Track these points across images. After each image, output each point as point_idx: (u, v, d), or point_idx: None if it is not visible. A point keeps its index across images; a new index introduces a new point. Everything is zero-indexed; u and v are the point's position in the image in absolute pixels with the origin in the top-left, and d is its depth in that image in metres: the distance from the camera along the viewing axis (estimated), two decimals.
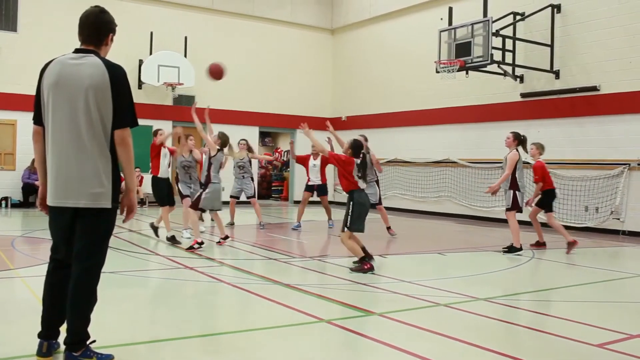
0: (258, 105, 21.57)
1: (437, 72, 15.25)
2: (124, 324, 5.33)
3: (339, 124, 22.50)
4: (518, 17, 15.48)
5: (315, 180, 13.87)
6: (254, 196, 13.97)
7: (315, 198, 14.24)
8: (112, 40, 4.18)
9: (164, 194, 10.90)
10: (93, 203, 3.92)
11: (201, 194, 10.07)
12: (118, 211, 4.12)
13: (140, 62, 19.02)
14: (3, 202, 17.32)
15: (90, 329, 4.04)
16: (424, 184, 18.55)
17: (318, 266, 8.71)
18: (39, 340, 4.09)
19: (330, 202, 12.77)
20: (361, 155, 8.40)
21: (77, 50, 4.05)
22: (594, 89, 14.25)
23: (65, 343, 3.98)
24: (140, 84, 19.08)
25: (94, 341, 4.09)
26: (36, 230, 11.88)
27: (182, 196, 11.38)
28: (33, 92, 4.13)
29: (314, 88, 22.98)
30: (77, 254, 3.97)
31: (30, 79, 5.07)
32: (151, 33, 19.23)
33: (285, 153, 25.18)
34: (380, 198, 12.28)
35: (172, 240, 10.47)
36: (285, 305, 6.05)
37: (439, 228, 14.93)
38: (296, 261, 9.15)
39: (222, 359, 4.44)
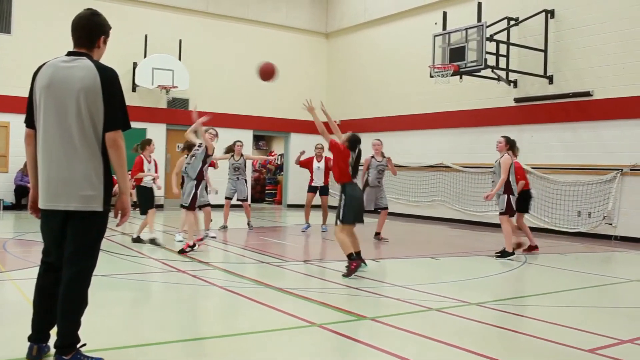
0: (252, 109, 21.57)
1: (431, 76, 15.26)
2: (114, 327, 5.31)
3: None
4: (512, 22, 15.52)
5: (319, 182, 13.92)
6: (246, 199, 14.13)
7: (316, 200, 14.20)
8: (104, 42, 4.17)
9: (148, 201, 11.09)
10: (84, 206, 3.90)
11: (196, 193, 10.07)
12: (111, 214, 4.11)
13: (135, 64, 18.99)
14: None
15: (80, 332, 4.03)
16: (418, 188, 18.57)
17: (310, 270, 8.70)
18: (29, 343, 4.07)
19: (331, 207, 12.71)
20: (357, 151, 8.49)
21: (69, 53, 4.05)
22: (587, 94, 14.29)
23: (55, 346, 3.96)
24: (134, 87, 19.06)
25: (84, 344, 4.08)
26: (28, 233, 11.84)
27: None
28: (26, 95, 4.12)
29: (308, 92, 22.80)
30: (68, 257, 3.95)
31: (24, 81, 5.05)
32: (145, 36, 19.21)
33: (279, 157, 25.18)
34: (386, 202, 12.40)
35: (138, 240, 10.88)
36: (277, 309, 6.04)
37: (433, 232, 14.95)
38: (289, 265, 9.14)
39: None
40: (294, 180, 22.28)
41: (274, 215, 19.29)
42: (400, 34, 19.83)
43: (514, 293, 7.97)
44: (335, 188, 12.08)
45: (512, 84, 15.85)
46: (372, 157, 12.39)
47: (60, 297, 3.93)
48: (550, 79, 15.07)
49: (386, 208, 12.38)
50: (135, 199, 11.95)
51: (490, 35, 14.64)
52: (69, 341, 3.95)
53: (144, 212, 11.12)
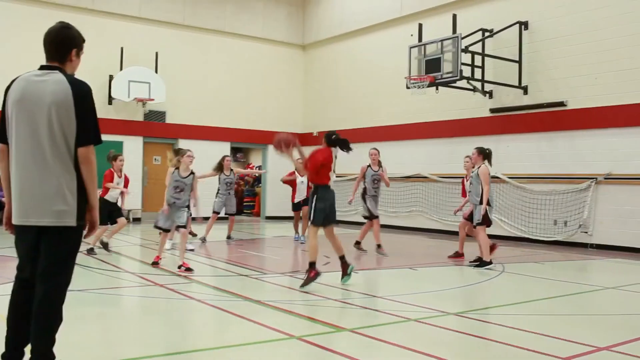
0: (230, 121, 21.53)
1: (408, 87, 15.37)
2: (90, 343, 5.25)
3: (311, 139, 22.54)
4: (487, 34, 15.70)
5: (301, 196, 14.00)
6: (235, 214, 14.42)
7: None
8: (77, 56, 4.13)
9: (105, 215, 10.85)
10: (57, 221, 3.85)
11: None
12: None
13: (111, 77, 18.87)
14: None
15: (55, 349, 3.96)
16: (396, 199, 18.62)
17: (289, 282, 8.67)
18: None
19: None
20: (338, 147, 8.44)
21: (42, 67, 4.01)
22: (562, 104, 14.48)
23: None
24: (110, 100, 18.94)
25: None
26: (3, 248, 11.67)
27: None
28: None
29: (286, 103, 23.02)
30: (42, 273, 3.89)
31: None
32: (122, 48, 19.11)
33: (257, 168, 25.12)
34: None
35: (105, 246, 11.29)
36: (256, 322, 6.01)
37: (411, 243, 14.99)
38: (267, 277, 9.11)
39: None
40: (272, 192, 22.24)
41: (253, 227, 19.22)
42: (376, 46, 19.95)
43: (491, 302, 8.01)
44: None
45: (487, 95, 16.01)
46: (369, 166, 12.31)
47: (35, 314, 3.87)
48: (525, 90, 15.24)
49: (377, 217, 12.35)
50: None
51: (466, 47, 14.78)
52: (44, 358, 3.88)
53: (106, 224, 11.21)
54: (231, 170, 14.11)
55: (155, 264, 9.60)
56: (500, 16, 15.73)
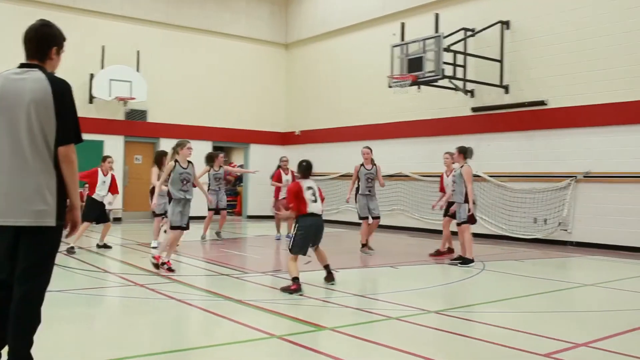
0: (212, 120, 21.46)
1: (390, 86, 15.41)
2: (69, 344, 5.21)
3: (293, 138, 22.56)
4: (468, 33, 15.78)
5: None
6: (226, 208, 14.74)
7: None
8: (57, 54, 4.09)
9: (96, 213, 11.76)
10: (36, 221, 3.80)
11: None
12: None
13: (92, 76, 18.73)
14: None
15: (33, 351, 3.92)
16: (378, 198, 18.59)
17: (270, 281, 8.66)
18: None
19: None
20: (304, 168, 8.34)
21: (21, 65, 3.97)
22: (542, 103, 14.59)
23: None
24: (91, 98, 18.79)
25: None
26: None
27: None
28: None
29: (268, 102, 22.98)
30: (20, 274, 3.84)
31: None
32: (102, 47, 18.99)
33: (239, 167, 25.05)
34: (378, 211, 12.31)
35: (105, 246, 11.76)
36: (237, 321, 6.00)
37: (392, 241, 15.02)
38: (248, 277, 9.09)
39: None
40: (253, 191, 22.21)
41: (234, 226, 19.16)
42: (358, 45, 19.97)
43: (472, 300, 8.05)
44: None
45: (469, 94, 16.09)
46: (362, 165, 12.27)
47: (12, 315, 3.81)
48: (506, 89, 15.33)
49: (378, 218, 12.28)
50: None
51: (448, 46, 14.84)
52: None
53: (97, 222, 11.93)
54: (220, 166, 14.37)
55: (170, 269, 8.99)
56: (482, 16, 15.82)
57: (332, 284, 8.14)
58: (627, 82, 13.15)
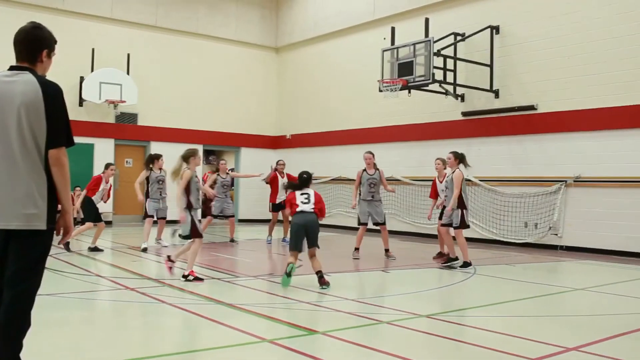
0: (202, 123, 21.42)
1: (380, 90, 15.43)
2: (59, 348, 5.18)
3: (284, 142, 22.55)
4: (459, 38, 15.84)
5: (282, 197, 13.94)
6: (233, 215, 14.81)
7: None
8: (48, 56, 4.07)
9: (95, 213, 12.11)
10: (26, 224, 3.77)
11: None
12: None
13: (82, 79, 18.66)
14: None
15: (23, 355, 3.90)
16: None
17: (262, 285, 8.65)
18: None
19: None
20: (300, 181, 8.78)
21: (11, 68, 3.95)
22: (532, 108, 14.65)
23: None
24: (81, 101, 18.72)
25: None
26: None
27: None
28: None
29: (259, 106, 22.97)
30: (10, 278, 3.81)
31: None
32: (93, 50, 18.93)
33: (230, 171, 25.01)
34: (384, 218, 12.18)
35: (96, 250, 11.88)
36: (228, 325, 5.98)
37: (381, 246, 14.99)
38: (240, 280, 9.07)
39: None
40: (244, 195, 22.18)
41: (225, 230, 19.12)
42: (349, 49, 20.01)
43: (462, 304, 8.06)
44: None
45: (459, 98, 16.14)
46: (364, 170, 12.15)
47: (2, 319, 3.79)
48: (497, 93, 15.39)
49: (383, 224, 12.11)
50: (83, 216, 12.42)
51: (438, 50, 14.88)
52: None
53: (97, 221, 12.09)
54: (227, 172, 14.55)
55: (197, 279, 8.65)
56: (472, 20, 15.88)
57: (324, 288, 8.14)
58: (617, 87, 13.23)
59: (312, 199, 8.55)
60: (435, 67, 14.60)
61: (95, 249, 11.88)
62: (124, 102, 18.93)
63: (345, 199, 19.02)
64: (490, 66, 15.41)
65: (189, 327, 6.25)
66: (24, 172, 3.79)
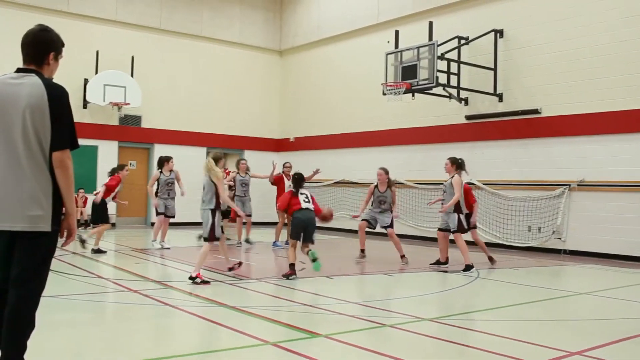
0: (206, 126, 21.43)
1: (384, 94, 15.43)
2: (62, 349, 5.18)
3: (287, 145, 22.56)
4: (462, 41, 15.83)
5: None
6: (251, 214, 14.77)
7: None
8: (55, 59, 4.08)
9: (107, 214, 12.49)
10: (31, 226, 3.79)
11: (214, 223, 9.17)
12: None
13: (86, 81, 18.69)
14: None
15: (27, 356, 3.91)
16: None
17: (264, 288, 8.65)
18: None
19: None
20: (295, 180, 9.82)
21: (18, 70, 3.96)
22: (536, 111, 14.64)
23: None
24: (85, 104, 18.75)
25: None
26: None
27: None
28: None
29: (263, 109, 22.98)
30: (15, 279, 3.82)
31: None
32: (97, 52, 18.96)
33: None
34: (392, 222, 12.10)
35: (99, 251, 11.91)
36: (231, 328, 5.98)
37: (387, 249, 14.97)
38: (243, 283, 9.07)
39: None
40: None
41: (229, 232, 19.11)
42: (353, 52, 20.02)
43: (466, 308, 8.05)
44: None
45: (463, 102, 16.13)
46: (376, 186, 12.12)
47: (6, 320, 3.80)
48: (500, 97, 15.38)
49: (390, 226, 12.02)
50: (86, 218, 12.54)
51: (442, 54, 14.89)
52: None
53: (106, 222, 12.37)
54: (246, 172, 14.56)
55: (204, 282, 8.65)
56: (475, 24, 15.88)
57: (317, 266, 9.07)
58: (621, 91, 13.22)
59: (310, 199, 9.64)
60: (439, 71, 14.60)
61: (98, 251, 11.89)
62: (128, 104, 18.96)
63: (348, 202, 19.03)
64: (494, 70, 15.40)
65: (192, 330, 6.25)
66: (29, 174, 3.81)
